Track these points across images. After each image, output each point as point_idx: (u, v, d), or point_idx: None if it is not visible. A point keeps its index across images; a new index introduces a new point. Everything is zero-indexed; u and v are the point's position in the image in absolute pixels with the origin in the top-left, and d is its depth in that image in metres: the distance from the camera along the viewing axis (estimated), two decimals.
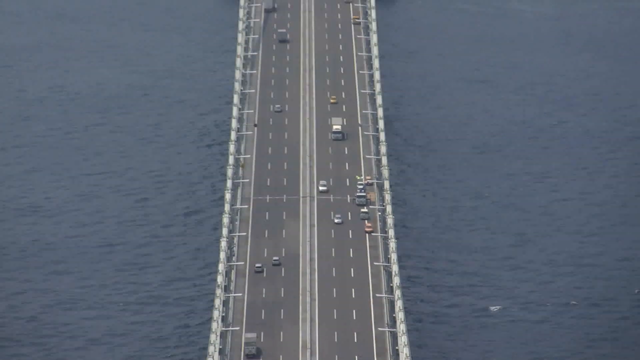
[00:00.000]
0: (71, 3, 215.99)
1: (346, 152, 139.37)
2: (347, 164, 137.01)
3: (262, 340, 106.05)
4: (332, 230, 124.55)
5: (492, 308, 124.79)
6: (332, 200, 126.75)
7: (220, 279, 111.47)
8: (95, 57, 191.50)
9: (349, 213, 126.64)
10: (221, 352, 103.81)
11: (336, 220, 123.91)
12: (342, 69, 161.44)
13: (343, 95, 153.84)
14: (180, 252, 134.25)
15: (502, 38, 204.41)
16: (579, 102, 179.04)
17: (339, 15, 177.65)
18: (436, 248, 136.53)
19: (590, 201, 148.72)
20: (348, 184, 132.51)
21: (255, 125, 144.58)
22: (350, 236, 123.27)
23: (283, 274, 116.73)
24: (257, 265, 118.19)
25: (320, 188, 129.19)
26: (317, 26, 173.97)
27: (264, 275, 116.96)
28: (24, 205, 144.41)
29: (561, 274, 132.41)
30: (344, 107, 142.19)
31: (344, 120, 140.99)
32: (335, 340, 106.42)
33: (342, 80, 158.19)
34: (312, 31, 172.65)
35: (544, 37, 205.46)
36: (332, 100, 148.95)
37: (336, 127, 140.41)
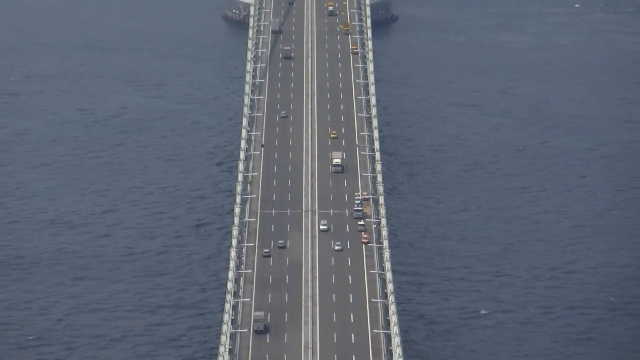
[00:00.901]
0: (97, 34, 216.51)
1: (345, 171, 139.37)
2: (345, 180, 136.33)
3: (267, 340, 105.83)
4: (332, 242, 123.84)
5: (482, 311, 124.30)
6: (332, 229, 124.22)
7: (230, 285, 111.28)
8: (118, 84, 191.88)
9: (347, 226, 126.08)
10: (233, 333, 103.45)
11: (336, 248, 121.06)
12: (341, 95, 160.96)
13: (342, 119, 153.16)
14: (194, 260, 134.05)
15: (489, 67, 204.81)
16: (559, 124, 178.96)
17: (338, 45, 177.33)
18: (427, 257, 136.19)
19: (567, 214, 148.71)
20: (346, 199, 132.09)
21: (262, 146, 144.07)
22: (348, 246, 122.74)
23: (287, 262, 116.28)
24: (265, 250, 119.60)
25: (322, 227, 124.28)
26: (318, 55, 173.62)
27: (271, 262, 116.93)
28: (53, 218, 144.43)
29: (542, 280, 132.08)
30: (343, 141, 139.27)
31: (344, 154, 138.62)
32: (335, 341, 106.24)
33: (342, 105, 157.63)
34: (315, 60, 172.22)
35: (526, 65, 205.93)
36: (332, 135, 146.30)
37: (336, 160, 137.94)
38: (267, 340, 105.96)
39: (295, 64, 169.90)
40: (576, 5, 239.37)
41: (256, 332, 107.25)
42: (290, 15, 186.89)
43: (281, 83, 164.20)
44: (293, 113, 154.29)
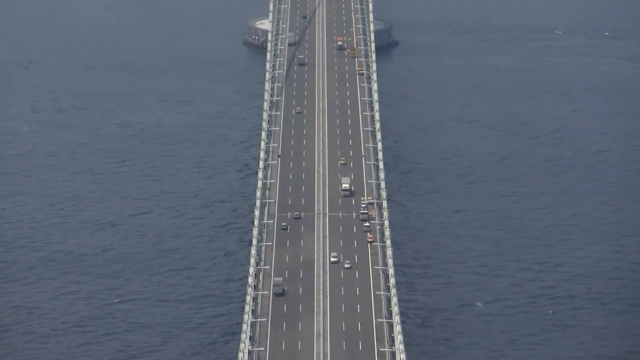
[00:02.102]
0: (134, 58, 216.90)
1: (352, 177, 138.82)
2: (352, 187, 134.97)
3: (284, 329, 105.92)
4: (341, 241, 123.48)
5: (476, 302, 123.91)
6: (341, 258, 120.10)
7: (250, 279, 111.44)
8: (153, 101, 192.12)
9: (354, 227, 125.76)
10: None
11: (346, 265, 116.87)
12: (349, 111, 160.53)
13: (349, 132, 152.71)
14: (220, 256, 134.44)
15: (480, 86, 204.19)
16: (543, 136, 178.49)
17: (346, 67, 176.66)
18: (426, 254, 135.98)
19: (553, 216, 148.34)
20: (353, 203, 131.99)
21: (279, 156, 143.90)
22: (355, 245, 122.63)
23: (301, 259, 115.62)
24: (283, 223, 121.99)
25: (332, 259, 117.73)
26: (328, 76, 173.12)
27: (287, 259, 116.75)
28: (96, 218, 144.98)
29: (530, 275, 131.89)
30: (351, 164, 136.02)
31: (352, 177, 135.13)
32: (343, 329, 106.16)
33: (349, 120, 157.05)
34: (325, 80, 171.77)
35: (513, 85, 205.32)
36: (341, 162, 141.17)
37: (345, 185, 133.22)
38: (284, 328, 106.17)
39: (308, 84, 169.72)
40: (557, 32, 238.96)
41: (275, 294, 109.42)
42: (303, 40, 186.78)
43: (296, 100, 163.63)
44: (306, 127, 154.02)
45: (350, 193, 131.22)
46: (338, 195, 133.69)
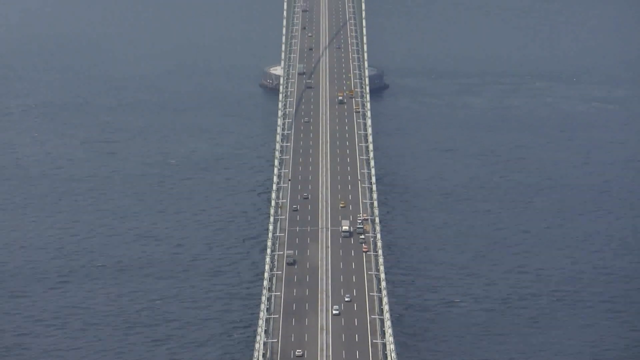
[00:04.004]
0: (170, 98, 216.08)
1: (350, 198, 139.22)
2: (350, 206, 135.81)
3: (293, 324, 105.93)
4: (340, 251, 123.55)
5: (457, 301, 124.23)
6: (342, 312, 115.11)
7: (266, 283, 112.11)
8: (187, 135, 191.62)
9: (352, 239, 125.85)
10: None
11: (346, 299, 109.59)
12: (347, 142, 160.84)
13: (348, 160, 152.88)
14: (240, 263, 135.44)
15: (459, 121, 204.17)
16: (513, 163, 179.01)
17: (345, 106, 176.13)
18: (413, 262, 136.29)
19: (521, 229, 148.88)
20: (351, 218, 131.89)
21: (289, 180, 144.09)
22: (353, 254, 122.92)
23: (307, 280, 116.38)
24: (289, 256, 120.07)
25: (334, 312, 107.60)
26: (330, 114, 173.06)
27: (295, 266, 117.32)
28: (141, 232, 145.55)
29: (501, 278, 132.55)
30: (350, 206, 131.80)
31: (351, 218, 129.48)
32: (342, 324, 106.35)
33: (347, 150, 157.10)
34: (327, 117, 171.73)
35: (486, 120, 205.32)
36: (341, 205, 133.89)
37: (345, 227, 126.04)
38: (294, 293, 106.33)
39: (313, 122, 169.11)
40: (526, 77, 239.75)
41: (288, 264, 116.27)
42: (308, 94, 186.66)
43: (303, 134, 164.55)
44: (312, 156, 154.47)
45: (350, 234, 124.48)
46: (337, 211, 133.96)
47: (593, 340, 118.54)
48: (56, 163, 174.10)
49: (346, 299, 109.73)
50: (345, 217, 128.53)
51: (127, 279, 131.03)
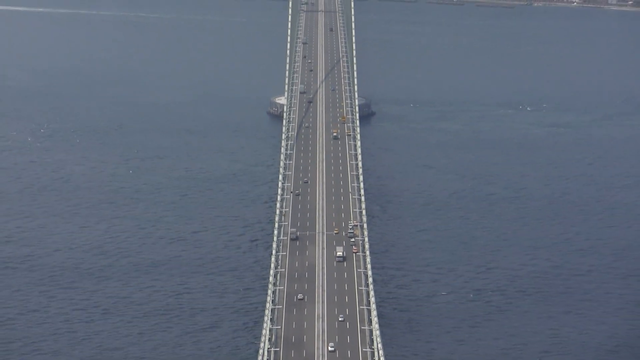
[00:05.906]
0: (192, 123, 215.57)
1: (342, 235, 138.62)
2: (342, 214, 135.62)
3: (294, 313, 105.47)
4: (334, 252, 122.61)
5: (441, 293, 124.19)
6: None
7: (272, 279, 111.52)
8: (206, 154, 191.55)
9: (344, 242, 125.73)
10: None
11: (340, 319, 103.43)
12: (340, 160, 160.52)
13: (340, 175, 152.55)
14: (249, 262, 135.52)
15: (437, 142, 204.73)
16: (484, 178, 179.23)
17: (338, 129, 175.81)
18: (397, 261, 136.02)
19: (491, 233, 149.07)
20: (343, 225, 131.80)
21: (291, 192, 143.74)
22: (345, 254, 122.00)
23: (306, 276, 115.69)
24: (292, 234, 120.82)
25: (330, 349, 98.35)
26: (326, 137, 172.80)
27: (296, 264, 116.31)
28: (164, 235, 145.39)
29: (474, 273, 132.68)
30: (343, 233, 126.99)
31: (344, 244, 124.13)
32: (336, 313, 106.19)
33: (340, 167, 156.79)
34: (324, 140, 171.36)
35: (460, 142, 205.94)
36: (335, 231, 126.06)
37: (339, 253, 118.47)
38: (293, 314, 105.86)
39: (311, 144, 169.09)
40: (493, 106, 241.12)
41: (291, 239, 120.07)
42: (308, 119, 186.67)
43: (303, 153, 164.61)
44: (310, 172, 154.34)
45: (343, 259, 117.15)
46: (333, 219, 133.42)
47: (552, 328, 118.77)
48: (99, 177, 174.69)
49: (340, 319, 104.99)
50: (339, 244, 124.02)
51: (157, 275, 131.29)
